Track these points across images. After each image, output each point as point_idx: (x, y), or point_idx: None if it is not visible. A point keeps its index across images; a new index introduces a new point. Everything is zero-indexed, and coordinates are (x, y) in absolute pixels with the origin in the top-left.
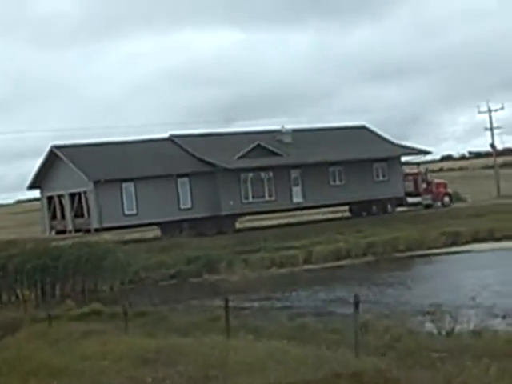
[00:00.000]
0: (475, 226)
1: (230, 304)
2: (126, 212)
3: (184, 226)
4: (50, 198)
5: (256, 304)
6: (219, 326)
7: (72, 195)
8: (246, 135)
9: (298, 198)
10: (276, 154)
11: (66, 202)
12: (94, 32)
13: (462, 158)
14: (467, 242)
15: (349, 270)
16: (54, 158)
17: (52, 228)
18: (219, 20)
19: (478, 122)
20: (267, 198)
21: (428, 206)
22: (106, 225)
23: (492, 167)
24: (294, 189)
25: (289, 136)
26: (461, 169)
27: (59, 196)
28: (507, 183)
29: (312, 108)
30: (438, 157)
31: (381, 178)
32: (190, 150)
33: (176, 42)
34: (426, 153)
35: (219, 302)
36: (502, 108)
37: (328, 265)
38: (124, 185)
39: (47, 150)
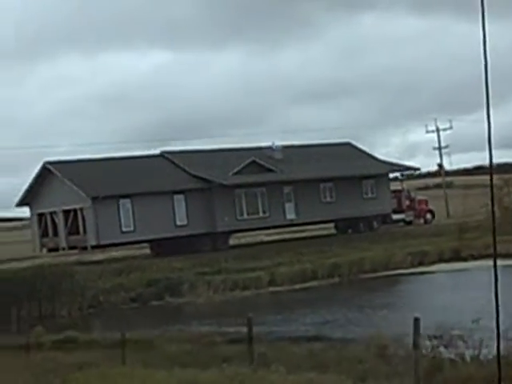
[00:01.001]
0: (443, 244)
1: (213, 329)
2: (124, 229)
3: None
4: (40, 215)
5: (242, 329)
6: (220, 355)
7: (66, 212)
8: (236, 152)
9: (290, 215)
10: (270, 171)
11: (60, 218)
12: (21, 54)
13: (395, 179)
14: (433, 262)
15: (319, 292)
16: (47, 174)
17: (43, 246)
18: (148, 41)
19: (410, 143)
20: (261, 214)
21: (409, 223)
22: (103, 242)
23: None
24: (287, 205)
25: (280, 152)
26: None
27: (51, 213)
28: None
29: (240, 130)
30: None
31: (369, 195)
32: (182, 166)
33: (104, 64)
34: (414, 169)
35: (198, 328)
36: (451, 127)
37: (297, 287)
38: (121, 201)
39: (40, 165)
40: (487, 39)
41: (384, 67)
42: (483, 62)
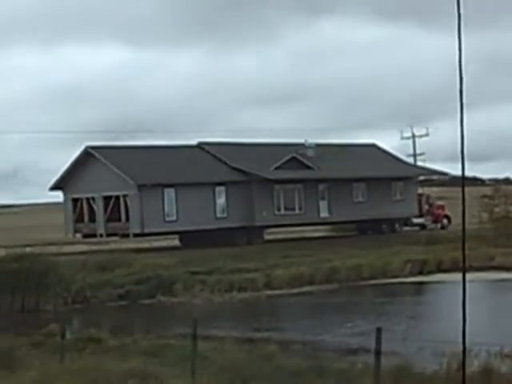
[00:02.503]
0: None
1: (230, 334)
2: (167, 218)
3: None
4: (75, 200)
5: (262, 334)
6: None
7: (106, 198)
8: (270, 146)
9: (324, 213)
10: (308, 168)
11: (99, 204)
12: None
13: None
14: (431, 272)
15: (323, 297)
16: (88, 159)
17: (76, 231)
18: (107, 36)
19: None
20: (297, 211)
21: (424, 227)
22: (147, 230)
23: None
24: (321, 203)
25: (312, 150)
26: None
27: (88, 198)
28: None
29: (196, 129)
30: None
31: (398, 197)
32: (221, 157)
33: (60, 57)
34: (443, 174)
35: (220, 332)
36: (427, 134)
37: (295, 291)
38: (166, 190)
39: (80, 150)
40: (462, 53)
41: (340, 73)
42: (458, 77)
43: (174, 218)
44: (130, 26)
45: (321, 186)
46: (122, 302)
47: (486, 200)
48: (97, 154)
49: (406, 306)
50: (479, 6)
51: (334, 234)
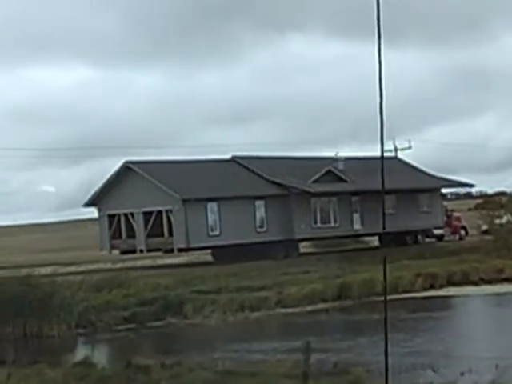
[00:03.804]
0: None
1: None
2: (210, 233)
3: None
4: (111, 216)
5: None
6: None
7: (147, 213)
8: (301, 160)
9: (357, 225)
10: (343, 180)
11: (139, 220)
12: None
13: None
14: (442, 286)
15: (342, 314)
16: (127, 174)
17: (113, 248)
18: (70, 56)
19: None
20: (332, 223)
21: (440, 239)
22: (193, 245)
23: None
24: (355, 216)
25: (342, 163)
26: None
27: (126, 214)
28: None
29: (157, 149)
30: None
31: (425, 209)
32: (258, 172)
33: (21, 77)
34: (470, 186)
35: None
36: (410, 147)
37: (309, 308)
38: (209, 205)
39: (119, 165)
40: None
41: (304, 90)
42: (378, 96)
43: (217, 232)
44: (93, 45)
45: (353, 199)
46: (129, 326)
47: (484, 212)
48: (137, 169)
49: (434, 321)
50: (446, 22)
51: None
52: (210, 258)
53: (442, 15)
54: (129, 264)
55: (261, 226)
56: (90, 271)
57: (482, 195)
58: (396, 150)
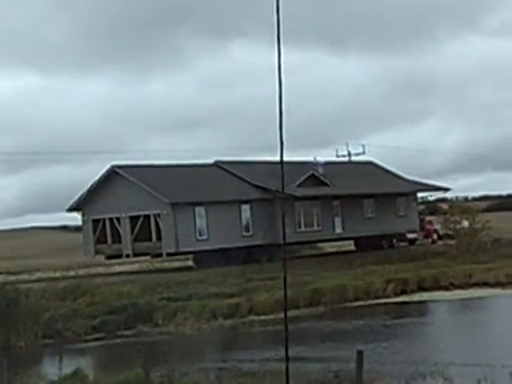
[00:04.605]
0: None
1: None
2: (199, 237)
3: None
4: (95, 221)
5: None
6: None
7: (133, 218)
8: (280, 164)
9: (339, 229)
10: (325, 184)
11: (125, 224)
12: None
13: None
14: (413, 291)
15: (318, 321)
16: (113, 179)
17: (97, 253)
18: (15, 63)
19: None
20: (315, 227)
21: (412, 243)
22: (182, 249)
23: None
24: (336, 219)
25: (322, 168)
26: None
27: (111, 219)
28: None
29: (100, 155)
30: None
31: (402, 213)
32: (241, 175)
33: None
34: (445, 190)
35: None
36: (364, 152)
37: (282, 315)
38: (197, 209)
39: (106, 169)
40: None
41: (250, 97)
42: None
43: (206, 236)
44: (39, 52)
45: (334, 203)
46: (99, 335)
47: (445, 216)
48: (124, 173)
49: (413, 327)
50: (390, 29)
51: (331, 250)
52: (190, 263)
53: (385, 22)
54: (93, 271)
55: (247, 230)
56: (51, 279)
57: (424, 201)
58: (350, 154)
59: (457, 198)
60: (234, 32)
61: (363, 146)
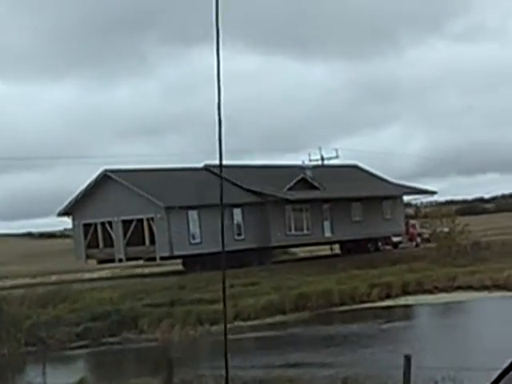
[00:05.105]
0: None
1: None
2: (192, 241)
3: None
4: (87, 226)
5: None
6: None
7: (126, 222)
8: (270, 169)
9: (328, 232)
10: (315, 188)
11: (118, 228)
12: None
13: None
14: (397, 295)
15: (306, 326)
16: (106, 183)
17: (89, 257)
18: None
19: None
20: (305, 231)
21: (396, 246)
22: (176, 253)
23: None
24: (325, 223)
25: (310, 171)
26: None
27: (103, 223)
28: None
29: (67, 165)
30: None
31: (388, 216)
32: (233, 180)
33: None
34: (432, 193)
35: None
36: (337, 156)
37: (269, 320)
38: (190, 213)
39: (98, 174)
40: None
41: (214, 102)
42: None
43: (199, 240)
44: (1, 58)
45: (324, 207)
46: (83, 342)
47: (423, 220)
48: (117, 178)
49: (419, 331)
50: (354, 34)
51: (317, 254)
52: (180, 267)
53: (349, 28)
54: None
55: (238, 234)
56: (28, 285)
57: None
58: (323, 159)
59: (421, 203)
60: (196, 39)
61: (336, 150)
